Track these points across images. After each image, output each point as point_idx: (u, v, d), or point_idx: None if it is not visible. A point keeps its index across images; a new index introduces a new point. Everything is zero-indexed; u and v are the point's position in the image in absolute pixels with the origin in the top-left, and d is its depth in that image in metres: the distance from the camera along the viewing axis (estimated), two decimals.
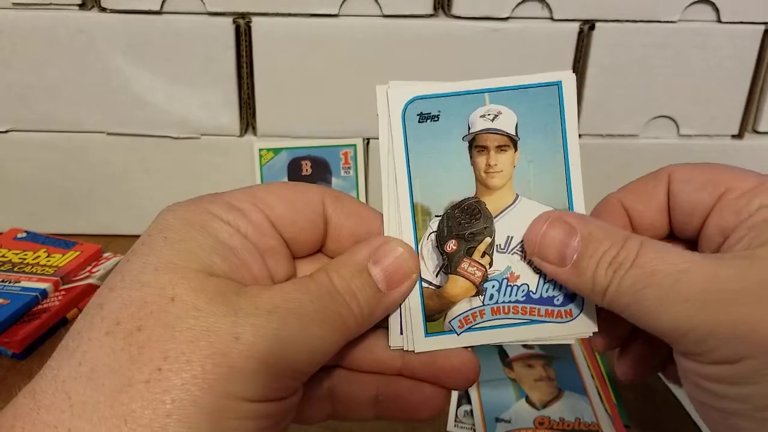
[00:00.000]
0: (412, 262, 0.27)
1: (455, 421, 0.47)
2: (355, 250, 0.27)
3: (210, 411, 0.22)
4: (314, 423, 0.29)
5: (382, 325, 0.28)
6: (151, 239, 0.25)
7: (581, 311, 0.28)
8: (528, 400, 0.47)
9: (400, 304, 0.28)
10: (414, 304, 0.28)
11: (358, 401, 0.29)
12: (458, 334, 0.28)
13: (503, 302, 0.28)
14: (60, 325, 0.53)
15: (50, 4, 0.56)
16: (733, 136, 0.62)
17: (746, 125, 0.62)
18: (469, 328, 0.28)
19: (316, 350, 0.24)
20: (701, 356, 0.24)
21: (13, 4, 0.56)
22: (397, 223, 0.28)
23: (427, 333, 0.28)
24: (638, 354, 0.31)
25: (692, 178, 0.29)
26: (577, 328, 0.28)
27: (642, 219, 0.30)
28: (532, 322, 0.28)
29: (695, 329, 0.24)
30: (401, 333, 0.28)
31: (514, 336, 0.28)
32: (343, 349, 0.26)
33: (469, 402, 0.48)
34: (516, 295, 0.28)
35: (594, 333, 0.29)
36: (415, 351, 0.28)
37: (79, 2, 0.56)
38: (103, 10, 0.56)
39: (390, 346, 0.28)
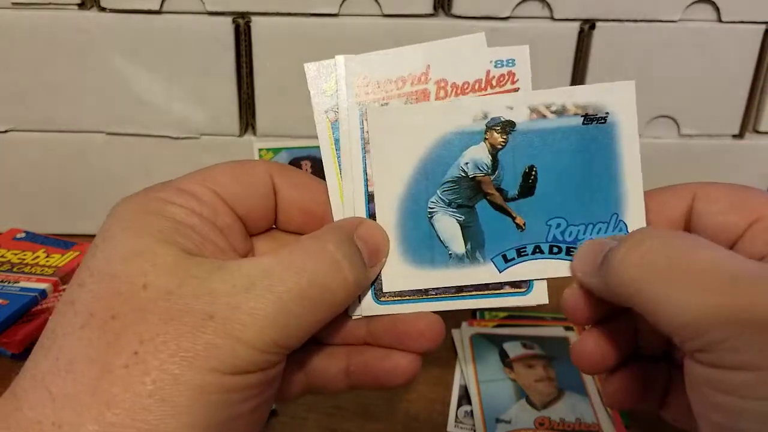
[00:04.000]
0: (388, 245, 0.28)
1: (455, 421, 0.47)
2: (336, 224, 0.28)
3: (192, 387, 0.22)
4: (291, 399, 0.30)
5: None
6: (109, 233, 0.25)
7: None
8: (528, 401, 0.47)
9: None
10: None
11: (331, 373, 0.29)
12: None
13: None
14: None
15: (50, 4, 0.56)
16: (734, 136, 0.62)
17: (747, 125, 0.62)
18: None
19: (297, 327, 0.24)
20: (724, 357, 0.21)
21: (13, 4, 0.56)
22: (351, 200, 0.29)
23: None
24: (633, 374, 0.29)
25: (720, 198, 0.27)
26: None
27: None
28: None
29: (722, 322, 0.20)
30: (359, 302, 0.29)
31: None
32: None
33: (469, 402, 0.48)
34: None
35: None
36: (365, 315, 0.29)
37: (79, 2, 0.56)
38: (103, 9, 0.56)
39: (350, 315, 0.29)
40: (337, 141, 0.29)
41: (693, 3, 0.57)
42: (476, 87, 0.29)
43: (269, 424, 0.46)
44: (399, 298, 0.29)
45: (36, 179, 0.63)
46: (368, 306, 0.29)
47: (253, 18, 0.57)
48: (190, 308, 0.23)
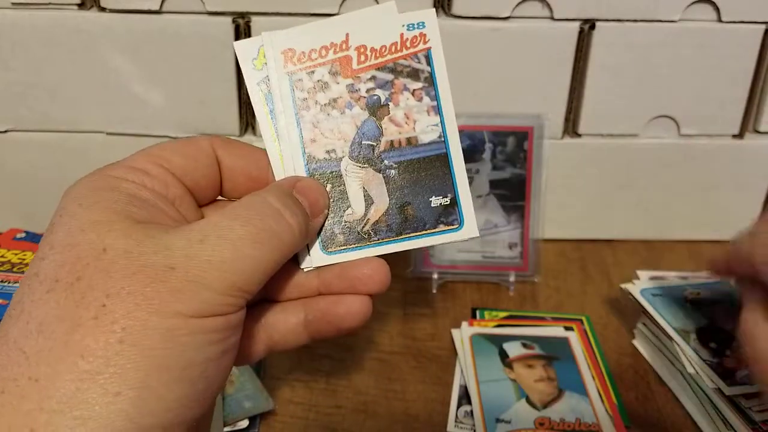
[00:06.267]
0: (326, 197, 0.31)
1: (455, 421, 0.47)
2: (275, 183, 0.30)
3: (160, 331, 0.23)
4: (256, 360, 0.32)
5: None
6: (66, 210, 0.26)
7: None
8: (528, 401, 0.47)
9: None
10: None
11: (291, 327, 0.31)
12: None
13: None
14: None
15: (49, 4, 0.56)
16: (734, 136, 0.62)
17: (747, 125, 0.62)
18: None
19: (252, 270, 0.26)
20: None
21: (13, 4, 0.56)
22: (291, 162, 0.31)
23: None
24: None
25: None
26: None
27: None
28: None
29: None
30: (309, 255, 0.31)
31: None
32: (266, 283, 0.28)
33: (469, 402, 0.48)
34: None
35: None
36: (316, 266, 0.31)
37: (79, 2, 0.56)
38: (103, 9, 0.56)
39: (302, 268, 0.31)
40: (272, 111, 0.32)
41: (693, 3, 0.57)
42: (393, 49, 0.32)
43: (269, 423, 0.46)
44: (345, 246, 0.31)
45: (36, 179, 0.63)
46: (318, 257, 0.31)
47: (253, 18, 0.57)
48: (150, 262, 0.24)
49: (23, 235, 0.62)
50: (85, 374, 0.22)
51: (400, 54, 0.32)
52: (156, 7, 0.56)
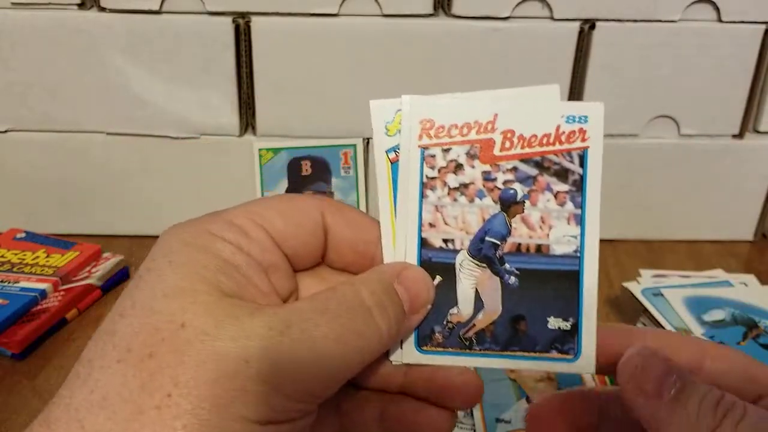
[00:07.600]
0: (431, 292, 0.28)
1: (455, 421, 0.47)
2: (378, 269, 0.27)
3: None
4: None
5: None
6: (156, 264, 0.25)
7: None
8: (528, 401, 0.47)
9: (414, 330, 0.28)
10: None
11: (365, 419, 0.28)
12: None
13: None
14: (59, 325, 0.53)
15: (50, 4, 0.56)
16: (734, 136, 0.62)
17: (747, 125, 0.62)
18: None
19: (331, 374, 0.24)
20: None
21: (13, 4, 0.56)
22: (404, 243, 0.28)
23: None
24: None
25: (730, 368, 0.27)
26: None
27: None
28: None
29: None
30: (401, 348, 0.28)
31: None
32: None
33: None
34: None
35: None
36: (406, 362, 0.28)
37: (79, 2, 0.56)
38: (103, 9, 0.56)
39: (390, 361, 0.28)
40: (395, 182, 0.29)
41: (693, 3, 0.57)
42: (544, 141, 0.28)
43: None
44: (442, 348, 0.28)
45: (36, 179, 0.63)
46: (409, 353, 0.28)
47: (253, 18, 0.57)
48: (225, 351, 0.22)
49: (23, 235, 0.61)
50: None
51: (551, 148, 0.28)
52: (156, 7, 0.56)
